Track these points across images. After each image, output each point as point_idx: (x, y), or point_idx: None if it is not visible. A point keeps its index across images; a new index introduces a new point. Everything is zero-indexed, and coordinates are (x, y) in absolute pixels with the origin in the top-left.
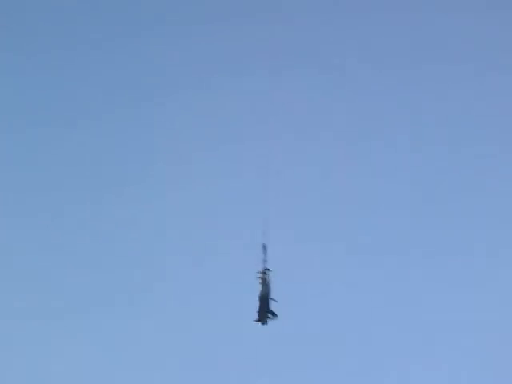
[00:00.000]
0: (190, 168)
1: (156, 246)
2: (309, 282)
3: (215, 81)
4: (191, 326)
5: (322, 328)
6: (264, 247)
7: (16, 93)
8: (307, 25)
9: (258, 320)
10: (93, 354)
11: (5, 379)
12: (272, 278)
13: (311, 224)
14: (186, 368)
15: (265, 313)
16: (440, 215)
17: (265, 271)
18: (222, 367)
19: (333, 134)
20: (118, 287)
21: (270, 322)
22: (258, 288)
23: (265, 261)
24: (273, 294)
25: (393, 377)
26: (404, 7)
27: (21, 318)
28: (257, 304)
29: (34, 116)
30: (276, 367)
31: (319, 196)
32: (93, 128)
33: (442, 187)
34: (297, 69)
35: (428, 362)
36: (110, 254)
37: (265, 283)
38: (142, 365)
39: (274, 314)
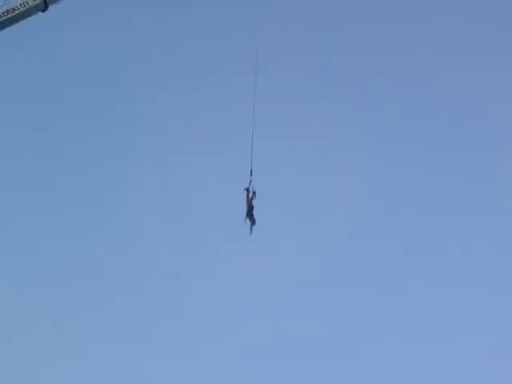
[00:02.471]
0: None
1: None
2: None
3: (204, 79)
4: None
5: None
6: (251, 172)
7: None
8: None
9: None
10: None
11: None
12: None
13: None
14: None
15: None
16: (432, 215)
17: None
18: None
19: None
20: None
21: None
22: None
23: (251, 182)
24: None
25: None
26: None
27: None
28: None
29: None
30: None
31: None
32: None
33: (436, 188)
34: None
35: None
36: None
37: (248, 199)
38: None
39: (253, 221)
